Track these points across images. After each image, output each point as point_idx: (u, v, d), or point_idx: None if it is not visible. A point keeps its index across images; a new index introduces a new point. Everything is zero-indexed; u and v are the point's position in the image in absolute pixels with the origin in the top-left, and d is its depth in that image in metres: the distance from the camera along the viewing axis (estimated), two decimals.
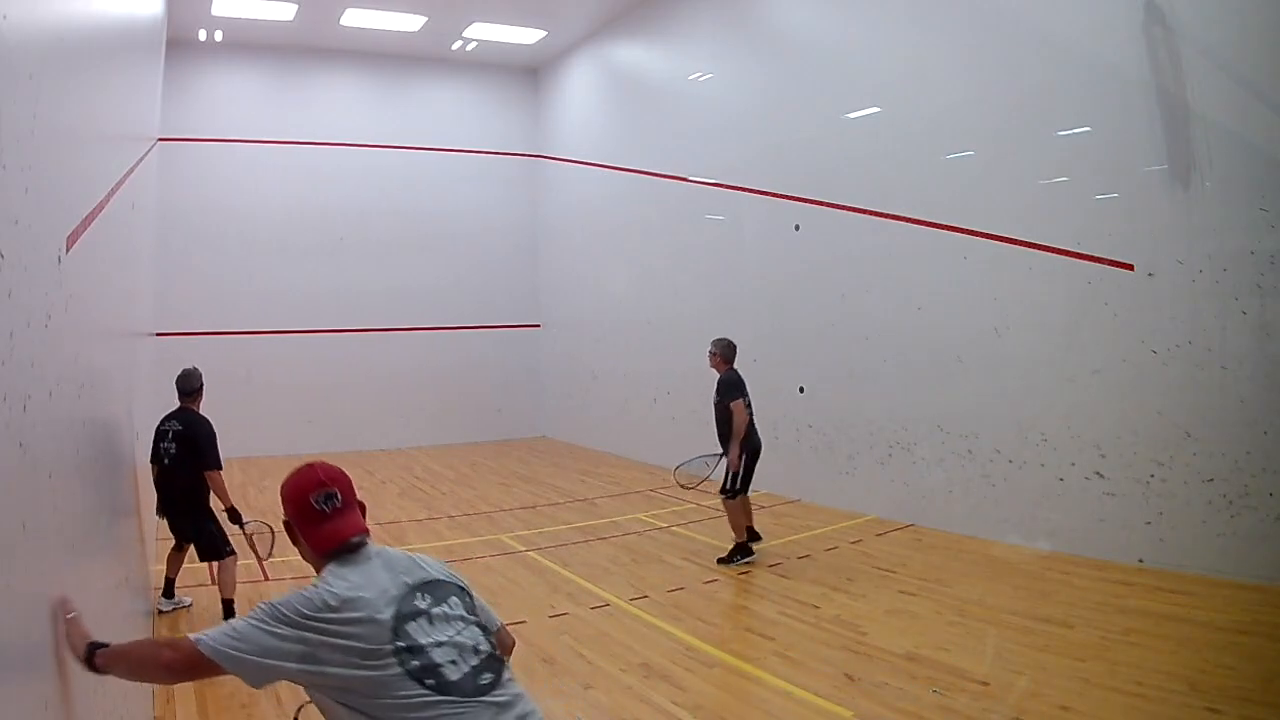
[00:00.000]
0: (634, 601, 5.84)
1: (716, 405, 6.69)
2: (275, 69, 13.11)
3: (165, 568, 5.80)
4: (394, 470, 11.56)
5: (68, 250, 2.04)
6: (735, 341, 6.88)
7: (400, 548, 6.40)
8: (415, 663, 1.86)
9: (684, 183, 11.03)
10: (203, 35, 12.23)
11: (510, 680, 1.97)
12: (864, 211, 8.25)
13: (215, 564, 5.53)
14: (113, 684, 2.58)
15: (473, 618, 2.02)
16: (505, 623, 2.28)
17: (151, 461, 5.57)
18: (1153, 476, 5.97)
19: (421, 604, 1.95)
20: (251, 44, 12.68)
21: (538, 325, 14.91)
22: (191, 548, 5.66)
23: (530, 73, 14.78)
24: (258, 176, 12.92)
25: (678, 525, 8.07)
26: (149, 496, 5.62)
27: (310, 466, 2.09)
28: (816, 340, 8.91)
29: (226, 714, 4.16)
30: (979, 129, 7.22)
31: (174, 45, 11.72)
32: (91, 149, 2.82)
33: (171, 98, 11.73)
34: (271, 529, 5.44)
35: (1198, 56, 5.70)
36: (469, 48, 13.55)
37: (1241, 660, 4.30)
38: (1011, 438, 6.95)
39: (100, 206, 2.96)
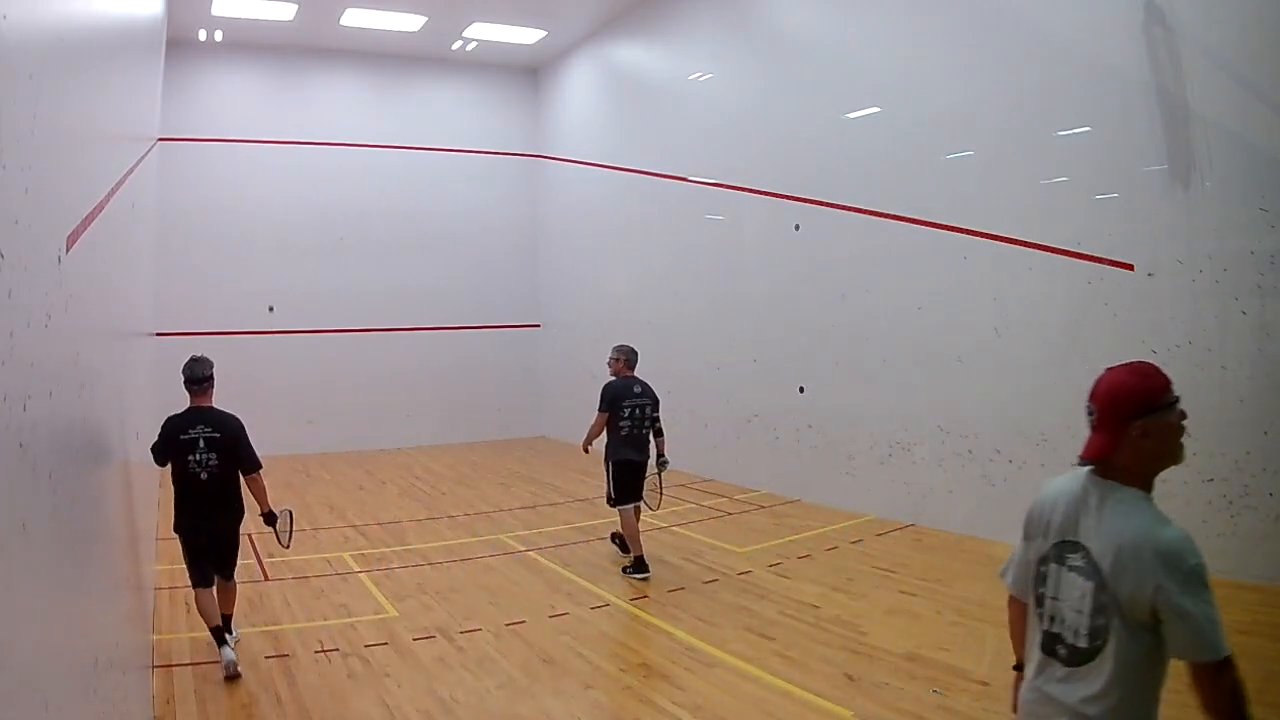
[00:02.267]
0: (634, 601, 5.84)
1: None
2: (275, 69, 13.11)
3: (205, 619, 4.78)
4: (394, 470, 11.56)
5: (68, 250, 2.04)
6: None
7: (400, 548, 6.42)
8: (1040, 608, 2.06)
9: (684, 183, 11.02)
10: (203, 35, 12.23)
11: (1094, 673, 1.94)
12: (864, 211, 8.25)
13: (221, 582, 4.85)
14: (111, 684, 2.58)
15: (1094, 582, 1.94)
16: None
17: (164, 464, 4.78)
18: None
19: (1070, 558, 1.99)
20: (251, 44, 12.67)
21: (538, 325, 14.91)
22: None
23: (530, 73, 14.77)
24: (258, 176, 12.91)
25: (678, 525, 8.07)
26: (142, 495, 5.47)
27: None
28: (816, 340, 8.91)
29: (227, 714, 4.16)
30: (979, 129, 7.22)
31: (174, 45, 11.72)
32: (91, 149, 2.82)
33: (171, 98, 11.73)
34: (290, 513, 5.16)
35: (1198, 56, 5.70)
36: (469, 48, 13.54)
37: (1241, 660, 4.25)
38: (1011, 438, 6.95)
39: (100, 206, 2.96)
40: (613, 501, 6.63)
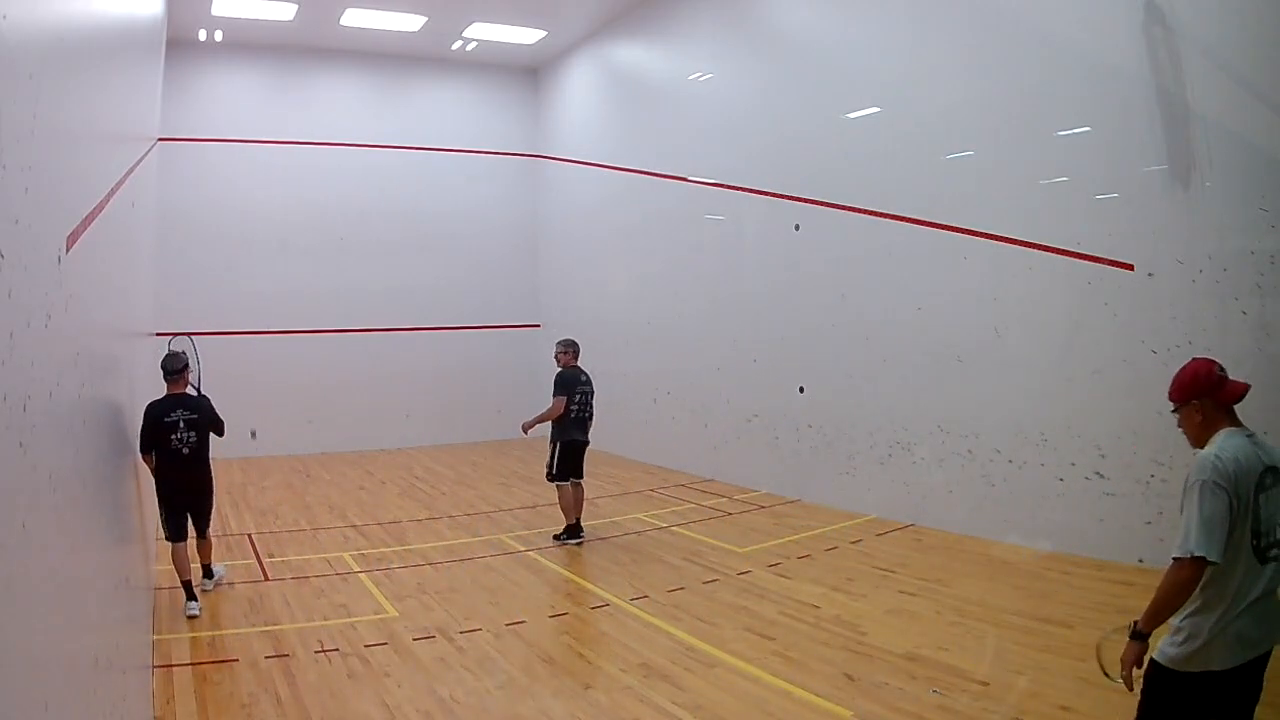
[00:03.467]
0: (634, 601, 5.84)
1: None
2: (275, 69, 13.10)
3: (179, 572, 5.66)
4: (394, 470, 11.55)
5: (68, 250, 2.04)
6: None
7: (400, 548, 6.46)
8: (1257, 539, 2.56)
9: (684, 183, 11.02)
10: (203, 35, 12.22)
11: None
12: (864, 211, 8.25)
13: (199, 538, 5.94)
14: (111, 684, 2.58)
15: None
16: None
17: (149, 452, 5.45)
18: (1153, 476, 5.97)
19: (1268, 479, 2.61)
20: (251, 44, 12.66)
21: (538, 325, 14.91)
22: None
23: (530, 73, 14.77)
24: (258, 176, 12.91)
25: (678, 525, 8.07)
26: (149, 492, 5.64)
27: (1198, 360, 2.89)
28: (816, 340, 8.91)
29: (226, 714, 4.16)
30: (979, 129, 7.22)
31: (174, 45, 11.71)
32: (91, 149, 2.82)
33: (171, 98, 11.72)
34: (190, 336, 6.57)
35: (1198, 56, 5.69)
36: (469, 48, 13.54)
37: None
38: (1011, 438, 6.94)
39: (100, 206, 2.96)
40: (552, 477, 7.44)
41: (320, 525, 8.28)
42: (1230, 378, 2.82)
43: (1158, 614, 2.70)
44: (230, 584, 6.29)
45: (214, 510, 6.09)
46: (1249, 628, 2.59)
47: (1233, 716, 2.67)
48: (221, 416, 5.94)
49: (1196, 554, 2.54)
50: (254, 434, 8.72)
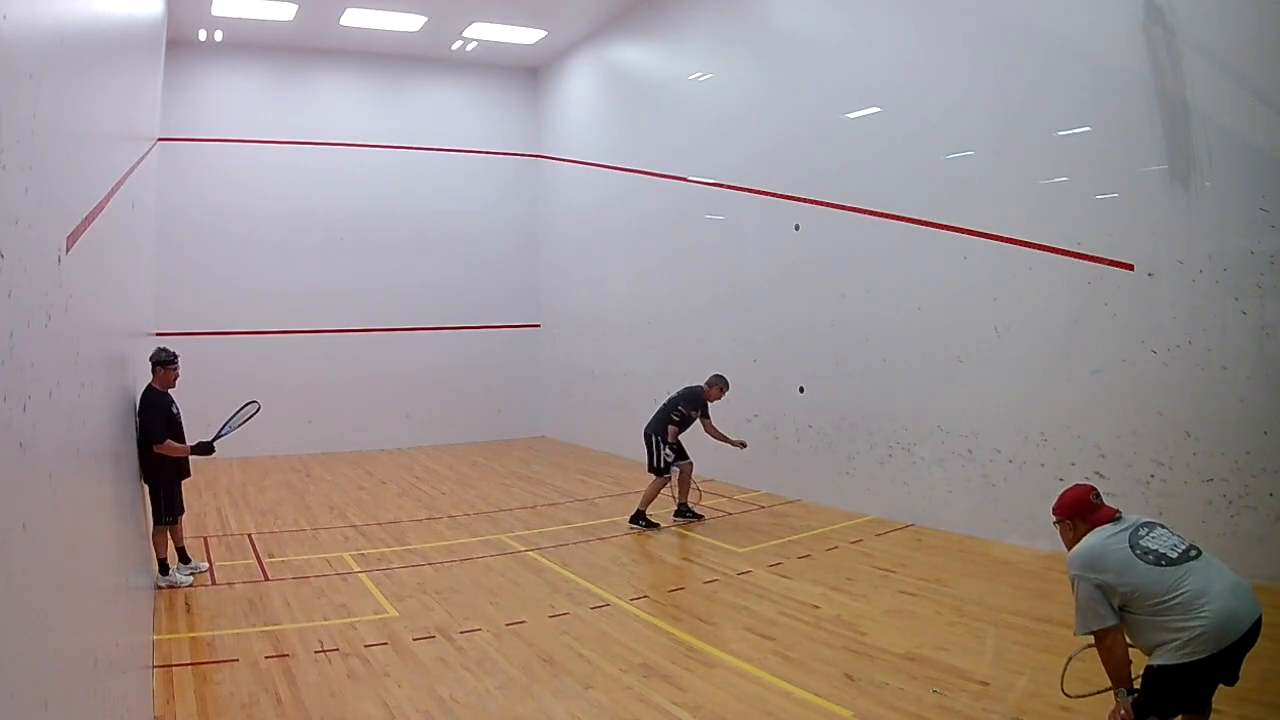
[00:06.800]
0: (634, 601, 5.84)
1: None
2: (275, 69, 13.10)
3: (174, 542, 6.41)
4: (394, 470, 11.55)
5: (68, 250, 2.04)
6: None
7: (400, 548, 6.48)
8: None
9: (684, 183, 11.02)
10: (203, 35, 12.22)
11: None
12: (864, 211, 8.25)
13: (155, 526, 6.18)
14: (111, 684, 2.58)
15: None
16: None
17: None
18: (1153, 476, 5.97)
19: (1144, 531, 3.19)
20: (251, 44, 12.66)
21: (538, 325, 14.91)
22: (181, 517, 6.37)
23: (530, 73, 14.77)
24: (258, 176, 12.90)
25: (678, 525, 8.07)
26: (143, 494, 5.84)
27: None
28: (816, 340, 8.91)
29: (226, 714, 4.16)
30: (979, 129, 7.22)
31: (174, 45, 11.71)
32: (91, 149, 2.82)
33: (171, 98, 11.72)
34: (257, 403, 6.48)
35: (1198, 56, 5.69)
36: (469, 48, 13.54)
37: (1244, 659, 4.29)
38: (1011, 438, 6.94)
39: (100, 206, 2.96)
40: (668, 465, 8.05)
41: (320, 525, 8.28)
42: (1104, 504, 3.32)
43: (1119, 675, 3.04)
44: (230, 584, 6.29)
45: (159, 499, 6.13)
46: (1233, 603, 2.92)
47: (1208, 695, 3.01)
48: (147, 429, 5.89)
49: (1087, 632, 3.08)
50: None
